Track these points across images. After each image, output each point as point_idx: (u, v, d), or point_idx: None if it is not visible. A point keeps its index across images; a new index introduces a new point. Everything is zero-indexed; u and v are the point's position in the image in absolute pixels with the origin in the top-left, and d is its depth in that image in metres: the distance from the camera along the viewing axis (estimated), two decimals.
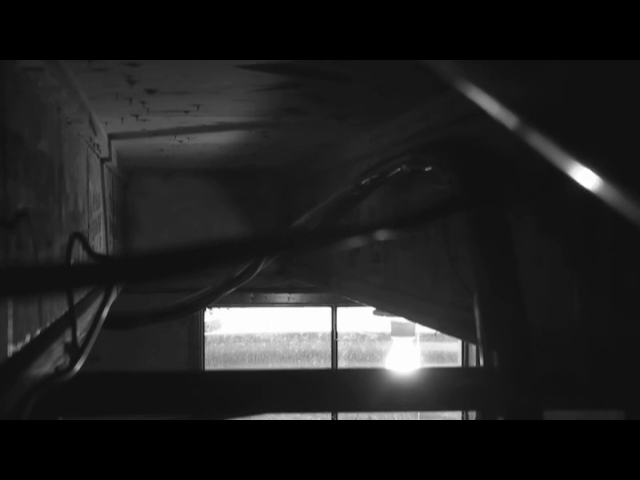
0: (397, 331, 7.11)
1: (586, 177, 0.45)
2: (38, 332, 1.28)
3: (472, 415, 4.74)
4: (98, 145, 2.30)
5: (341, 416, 4.81)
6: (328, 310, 5.59)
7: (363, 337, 9.26)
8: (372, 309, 3.83)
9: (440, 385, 1.51)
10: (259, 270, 2.45)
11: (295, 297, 4.62)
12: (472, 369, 4.28)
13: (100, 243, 2.64)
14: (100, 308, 1.77)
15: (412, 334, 7.24)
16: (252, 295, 4.49)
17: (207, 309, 4.86)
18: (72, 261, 1.54)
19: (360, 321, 8.18)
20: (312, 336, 9.34)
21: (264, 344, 9.68)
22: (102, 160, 2.63)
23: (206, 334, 5.27)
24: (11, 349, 1.07)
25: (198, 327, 5.08)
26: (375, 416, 5.23)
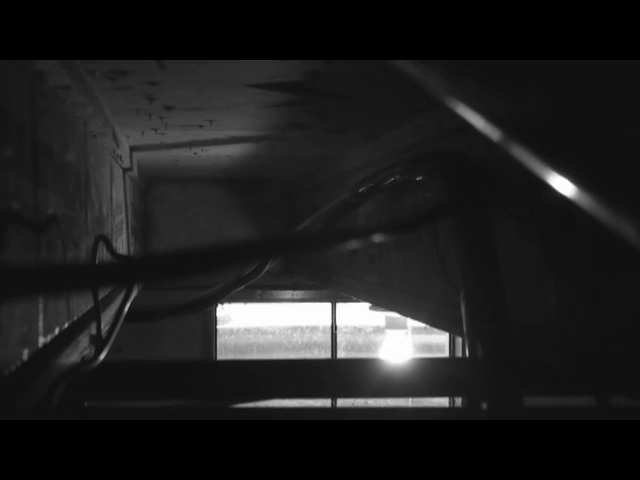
0: (391, 324, 7.11)
1: (562, 185, 0.45)
2: (66, 325, 1.28)
3: (458, 401, 4.74)
4: (121, 156, 2.30)
5: (340, 402, 4.80)
6: (328, 305, 5.59)
7: (360, 330, 9.26)
8: (368, 305, 3.83)
9: (429, 374, 1.50)
10: (266, 269, 2.45)
11: (298, 294, 4.62)
12: (458, 359, 4.27)
13: (122, 245, 2.64)
14: (122, 303, 1.77)
15: (404, 327, 7.24)
16: (260, 292, 4.49)
17: (219, 304, 4.86)
18: (97, 261, 1.54)
19: (357, 315, 8.18)
20: (314, 329, 9.33)
21: (270, 336, 9.68)
22: (124, 170, 2.63)
23: (218, 327, 5.26)
24: (41, 340, 1.07)
25: (211, 321, 5.07)
26: (371, 402, 5.21)
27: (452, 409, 2.65)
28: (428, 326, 1.87)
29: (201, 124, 1.99)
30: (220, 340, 5.32)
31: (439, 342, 7.43)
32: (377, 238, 0.83)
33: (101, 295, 1.68)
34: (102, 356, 1.36)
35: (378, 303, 2.48)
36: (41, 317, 1.07)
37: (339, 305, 5.58)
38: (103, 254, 1.66)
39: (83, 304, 1.48)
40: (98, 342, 1.42)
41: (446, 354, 6.04)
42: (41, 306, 1.07)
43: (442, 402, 5.01)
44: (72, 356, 1.23)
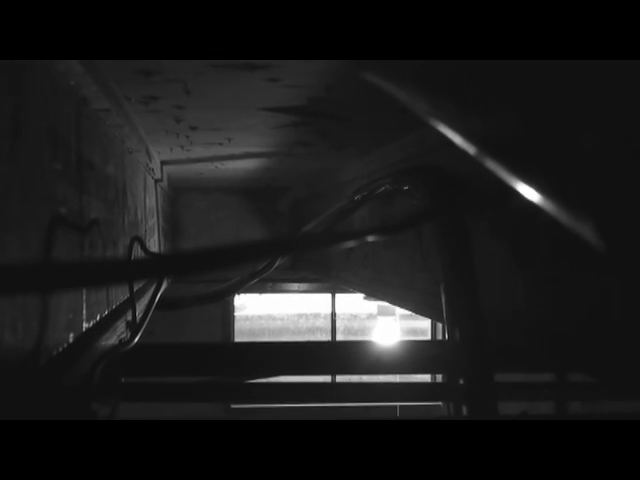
0: (382, 312, 7.11)
1: (528, 192, 0.45)
2: (106, 313, 1.28)
3: (438, 377, 4.72)
4: (153, 169, 2.30)
5: (339, 378, 4.79)
6: (328, 296, 5.60)
7: (355, 317, 9.25)
8: (362, 295, 3.83)
9: (415, 354, 1.50)
10: (276, 265, 2.45)
11: (303, 286, 4.61)
12: (439, 342, 4.27)
13: (154, 244, 2.64)
14: (154, 294, 1.77)
15: (393, 314, 7.24)
16: (270, 284, 4.48)
17: (236, 295, 4.86)
18: (132, 258, 1.54)
19: (353, 304, 8.17)
20: (316, 316, 9.33)
21: (280, 322, 9.69)
22: (156, 181, 2.63)
23: (235, 314, 5.26)
24: (85, 326, 1.07)
25: (229, 309, 5.08)
26: (365, 378, 5.17)
27: (434, 384, 2.65)
28: (413, 313, 1.87)
29: (221, 142, 1.98)
30: (237, 325, 5.32)
31: (423, 327, 7.43)
32: (370, 238, 0.83)
33: (136, 287, 1.68)
34: (137, 339, 1.36)
35: (371, 294, 2.48)
36: (84, 306, 1.07)
37: (338, 296, 5.59)
38: (138, 252, 1.66)
39: (120, 294, 1.48)
40: (133, 327, 1.42)
41: (428, 337, 6.04)
42: (84, 296, 1.07)
43: (425, 378, 5.01)
44: (111, 339, 1.23)
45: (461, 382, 1.06)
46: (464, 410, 1.03)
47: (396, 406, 4.72)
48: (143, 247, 1.67)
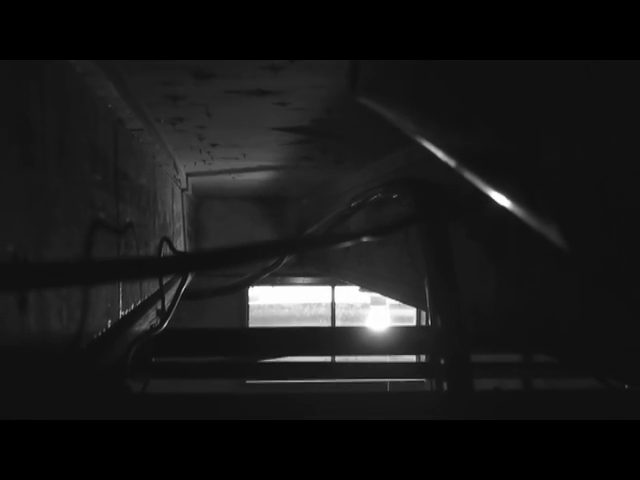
0: (374, 302, 7.09)
1: (501, 199, 0.44)
2: (139, 302, 1.28)
3: (422, 358, 4.69)
4: (179, 180, 2.30)
5: (338, 358, 4.77)
6: (329, 288, 5.59)
7: (352, 306, 9.25)
8: (358, 287, 3.82)
9: (402, 337, 1.50)
10: (284, 262, 2.44)
11: (307, 279, 4.61)
12: (423, 327, 4.26)
13: (180, 244, 2.64)
14: (180, 286, 1.77)
15: (384, 304, 7.22)
16: (279, 278, 4.48)
17: (250, 287, 4.85)
18: (162, 256, 1.54)
19: (350, 295, 8.17)
20: (318, 305, 9.33)
21: (287, 310, 9.68)
22: (182, 190, 2.63)
23: (249, 303, 5.26)
24: (121, 313, 1.07)
25: (244, 299, 5.07)
26: (361, 358, 5.12)
27: (418, 363, 2.64)
28: (402, 303, 1.87)
29: (237, 157, 1.98)
30: (251, 313, 5.32)
31: (409, 315, 7.42)
32: (365, 239, 0.82)
33: (164, 280, 1.68)
34: (165, 324, 1.36)
35: (365, 286, 2.47)
36: (121, 296, 1.07)
37: (337, 288, 5.58)
38: (166, 251, 1.66)
39: (152, 286, 1.48)
40: (162, 314, 1.41)
41: (414, 323, 6.02)
42: (121, 288, 1.07)
43: (411, 359, 4.99)
44: (143, 325, 1.22)
45: (442, 362, 1.06)
46: (444, 386, 1.02)
47: (386, 382, 4.71)
48: (171, 246, 1.67)
